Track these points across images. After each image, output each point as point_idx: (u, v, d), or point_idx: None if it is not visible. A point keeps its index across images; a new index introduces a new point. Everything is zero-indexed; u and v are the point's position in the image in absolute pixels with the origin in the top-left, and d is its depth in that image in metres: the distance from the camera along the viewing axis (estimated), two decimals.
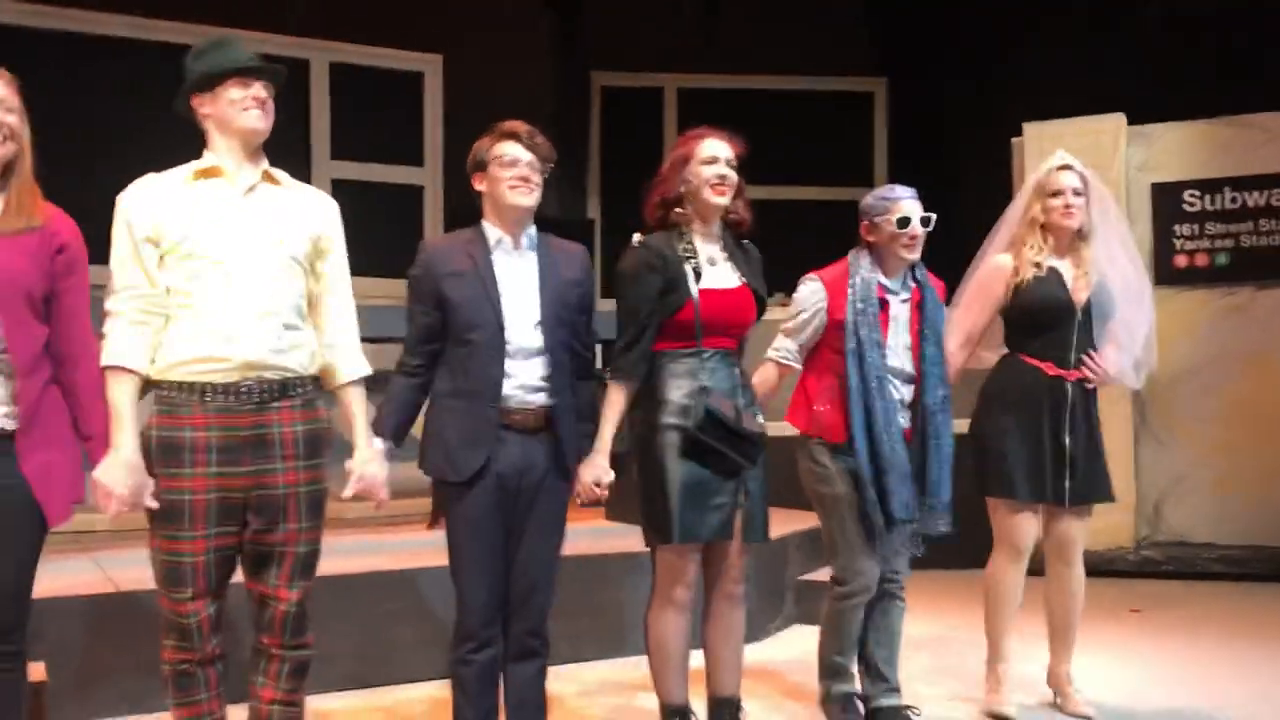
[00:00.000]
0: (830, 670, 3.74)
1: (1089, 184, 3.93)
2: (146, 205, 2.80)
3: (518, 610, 3.14)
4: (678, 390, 3.24)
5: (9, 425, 2.67)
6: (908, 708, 3.70)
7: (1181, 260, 6.84)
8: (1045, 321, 3.86)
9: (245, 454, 2.79)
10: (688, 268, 3.24)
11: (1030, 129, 6.96)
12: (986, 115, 7.70)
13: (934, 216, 3.65)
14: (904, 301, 3.65)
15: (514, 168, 3.10)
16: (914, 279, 3.68)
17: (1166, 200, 6.87)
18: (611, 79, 9.18)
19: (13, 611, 2.69)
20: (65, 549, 4.97)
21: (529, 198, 3.12)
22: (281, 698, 2.89)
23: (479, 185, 3.17)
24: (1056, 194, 3.89)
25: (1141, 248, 6.81)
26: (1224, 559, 6.53)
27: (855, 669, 3.74)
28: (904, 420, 3.59)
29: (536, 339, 3.12)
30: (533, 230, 3.22)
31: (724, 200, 3.31)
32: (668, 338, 3.28)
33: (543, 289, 3.14)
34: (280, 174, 2.96)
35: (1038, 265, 3.87)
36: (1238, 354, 6.67)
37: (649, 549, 3.34)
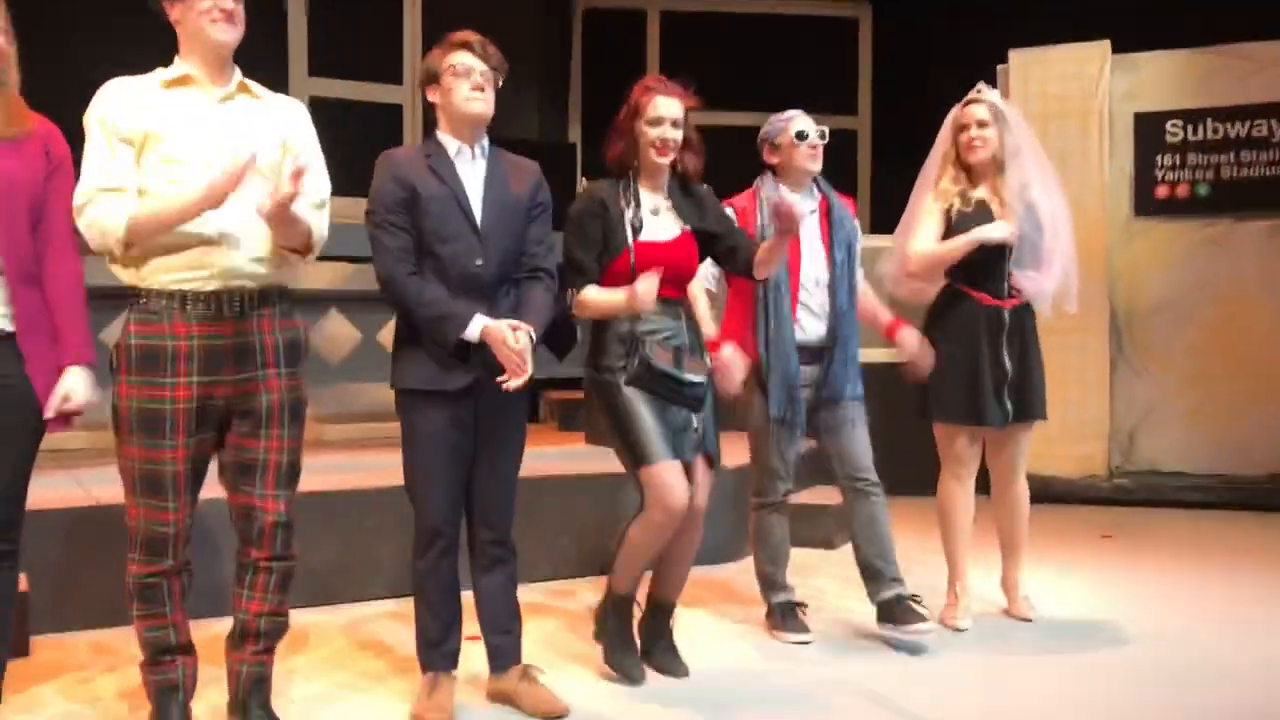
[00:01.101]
0: (766, 583, 3.95)
1: (1000, 115, 4.00)
2: (124, 104, 2.76)
3: (483, 521, 3.20)
4: (619, 329, 3.32)
5: (8, 326, 2.68)
6: (912, 597, 3.80)
7: (1162, 191, 6.85)
8: (979, 254, 3.93)
9: (228, 362, 2.79)
10: (627, 219, 3.33)
11: (1016, 56, 6.93)
12: (972, 42, 7.62)
13: (827, 130, 3.83)
14: (812, 212, 3.82)
15: (468, 77, 3.10)
16: (819, 190, 3.87)
17: (1149, 130, 6.85)
18: (594, 1, 9.05)
19: (10, 509, 2.73)
20: (44, 466, 4.96)
21: (484, 106, 3.12)
22: (270, 609, 2.92)
23: (432, 97, 3.18)
24: (964, 128, 3.99)
25: (1123, 177, 6.87)
26: (1194, 488, 6.63)
27: (788, 578, 3.94)
28: (821, 327, 3.78)
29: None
30: (485, 140, 3.21)
31: (665, 161, 3.38)
32: (608, 284, 3.34)
33: (487, 197, 3.13)
34: (255, 86, 2.93)
35: (963, 197, 3.98)
36: (1214, 286, 6.72)
37: (634, 475, 3.36)
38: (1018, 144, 4.02)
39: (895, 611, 3.77)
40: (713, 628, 4.06)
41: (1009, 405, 3.96)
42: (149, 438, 2.74)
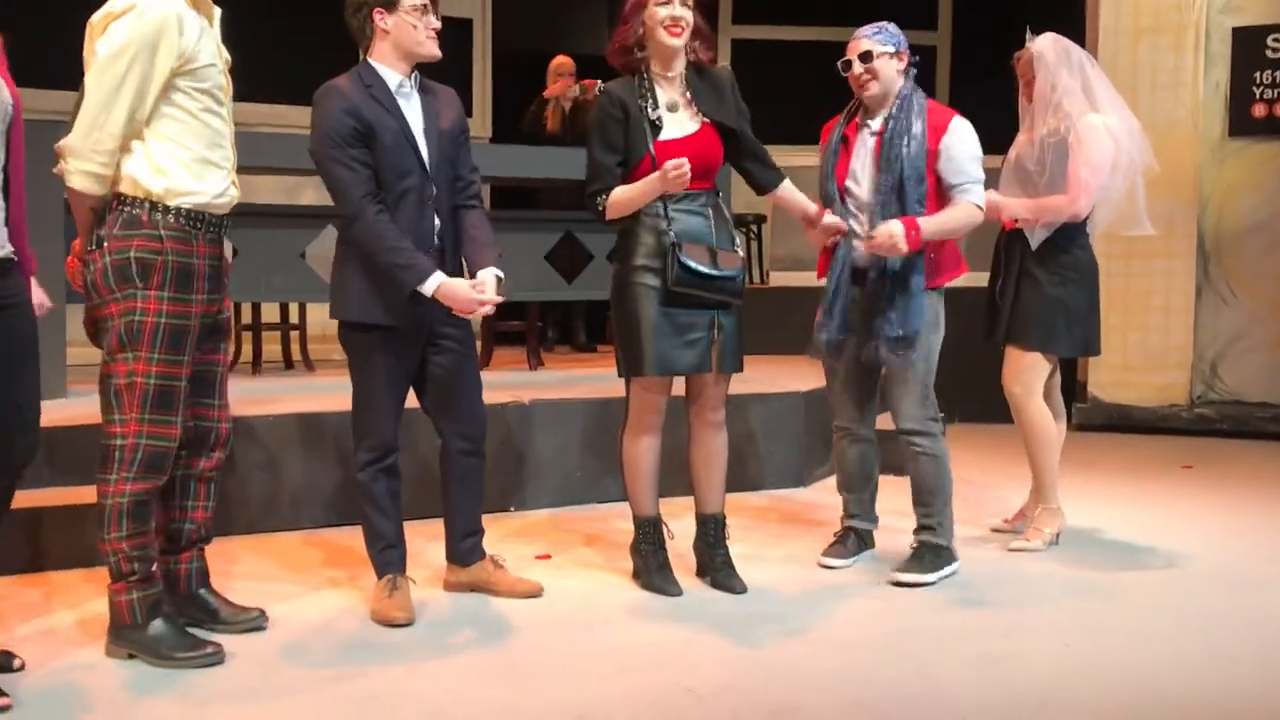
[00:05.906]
0: (842, 503, 3.97)
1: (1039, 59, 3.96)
2: (182, 27, 2.76)
3: (456, 431, 3.38)
4: (649, 236, 3.36)
5: (7, 253, 2.67)
6: (924, 544, 3.68)
7: (1259, 110, 6.57)
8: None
9: (218, 281, 2.96)
10: (646, 119, 3.33)
11: None
12: None
13: (850, 59, 3.59)
14: (873, 134, 3.62)
15: (428, 15, 3.16)
16: (893, 111, 3.57)
17: (1248, 45, 6.56)
18: None
19: (37, 425, 2.77)
20: None
21: (438, 49, 3.19)
22: (210, 514, 3.12)
23: (381, 23, 3.16)
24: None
25: (1217, 95, 6.60)
26: (1279, 418, 6.45)
27: (852, 501, 3.92)
28: (862, 249, 3.58)
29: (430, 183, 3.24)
30: (416, 73, 3.28)
31: (679, 41, 3.34)
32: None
33: (428, 130, 3.21)
34: None
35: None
36: None
37: (624, 380, 3.52)
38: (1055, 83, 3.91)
39: (906, 558, 3.70)
40: (770, 547, 4.05)
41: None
42: (172, 353, 2.81)
